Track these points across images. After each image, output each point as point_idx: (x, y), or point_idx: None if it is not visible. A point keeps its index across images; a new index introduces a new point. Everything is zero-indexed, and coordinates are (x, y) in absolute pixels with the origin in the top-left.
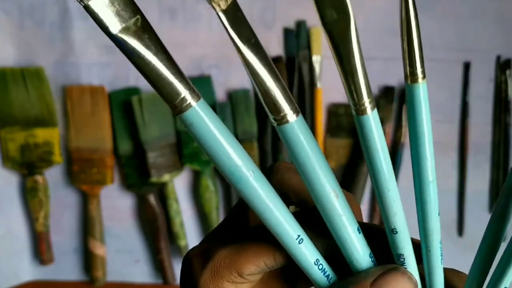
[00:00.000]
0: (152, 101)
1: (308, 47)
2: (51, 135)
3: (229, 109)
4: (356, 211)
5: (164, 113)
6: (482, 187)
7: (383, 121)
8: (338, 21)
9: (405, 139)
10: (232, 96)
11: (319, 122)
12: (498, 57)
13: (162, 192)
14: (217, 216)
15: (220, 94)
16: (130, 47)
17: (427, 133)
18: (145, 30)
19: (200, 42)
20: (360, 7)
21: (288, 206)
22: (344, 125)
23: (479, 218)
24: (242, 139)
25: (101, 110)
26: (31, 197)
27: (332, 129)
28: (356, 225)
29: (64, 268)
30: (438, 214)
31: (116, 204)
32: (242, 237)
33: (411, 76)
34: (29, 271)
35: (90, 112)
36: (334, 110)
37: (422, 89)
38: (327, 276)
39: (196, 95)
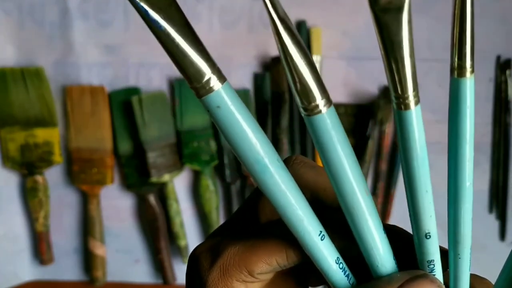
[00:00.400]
0: (152, 101)
1: (308, 47)
2: (51, 135)
3: None
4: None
5: (164, 113)
6: (482, 187)
7: (383, 121)
8: (392, 3)
9: None
10: None
11: None
12: (498, 57)
13: (162, 192)
14: (217, 216)
15: None
16: (154, 20)
17: (469, 133)
18: (171, 3)
19: None
20: (360, 7)
21: None
22: (344, 125)
23: (479, 218)
24: None
25: (101, 110)
26: (31, 197)
27: None
28: (381, 227)
29: (64, 268)
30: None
31: (116, 204)
32: (252, 234)
33: (458, 69)
34: (29, 271)
35: (90, 112)
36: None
37: (469, 85)
38: (347, 276)
39: (222, 77)
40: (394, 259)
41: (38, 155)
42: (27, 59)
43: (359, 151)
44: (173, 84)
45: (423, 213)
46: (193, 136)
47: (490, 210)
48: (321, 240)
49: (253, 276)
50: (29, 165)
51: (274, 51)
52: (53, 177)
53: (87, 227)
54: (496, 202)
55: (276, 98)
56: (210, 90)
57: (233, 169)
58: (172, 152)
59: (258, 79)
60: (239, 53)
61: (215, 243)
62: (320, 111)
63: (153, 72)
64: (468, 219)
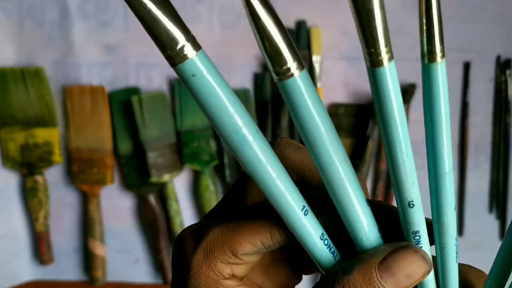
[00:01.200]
0: (152, 101)
1: (308, 47)
2: (51, 135)
3: None
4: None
5: (164, 113)
6: (482, 187)
7: None
8: None
9: None
10: None
11: None
12: (498, 57)
13: (162, 192)
14: None
15: None
16: None
17: (444, 119)
18: None
19: (200, 42)
20: None
21: None
22: (344, 125)
23: (479, 218)
24: None
25: (101, 110)
26: (31, 197)
27: None
28: (363, 196)
29: (64, 268)
30: (455, 209)
31: (116, 204)
32: (237, 215)
33: (429, 54)
34: (29, 271)
35: (90, 112)
36: (334, 110)
37: (440, 70)
38: (333, 253)
39: (197, 45)
40: (379, 232)
41: (38, 155)
42: (27, 59)
43: (359, 151)
44: (173, 84)
45: (404, 179)
46: (193, 136)
47: (490, 210)
48: (305, 215)
49: (237, 257)
50: (29, 165)
51: None
52: (53, 177)
53: (87, 227)
54: (496, 202)
55: (276, 98)
56: (184, 58)
57: (233, 169)
58: (172, 152)
59: (258, 79)
60: (239, 53)
61: (200, 226)
62: (292, 75)
63: (153, 72)
64: (451, 207)
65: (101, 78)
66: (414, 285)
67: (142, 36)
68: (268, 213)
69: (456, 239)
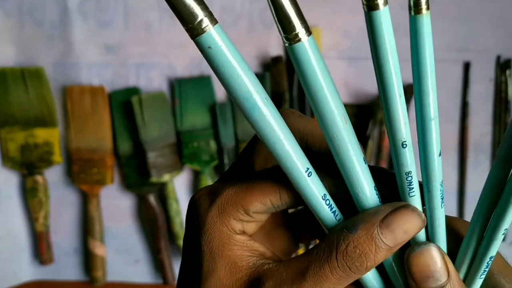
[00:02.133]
0: (152, 101)
1: None
2: (51, 135)
3: (229, 109)
4: None
5: (164, 113)
6: (482, 187)
7: (383, 121)
8: None
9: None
10: None
11: None
12: (498, 57)
13: (162, 192)
14: None
15: (220, 94)
16: None
17: (429, 68)
18: None
19: None
20: (360, 7)
21: None
22: None
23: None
24: (242, 139)
25: (101, 110)
26: (31, 197)
27: None
28: (362, 155)
29: (64, 268)
30: (440, 155)
31: (116, 204)
32: (249, 178)
33: (415, 7)
34: (29, 271)
35: (90, 112)
36: None
37: (425, 21)
38: (334, 213)
39: (213, 20)
40: (375, 190)
41: (38, 155)
42: (27, 59)
43: None
44: (173, 84)
45: (398, 119)
46: (193, 136)
47: None
48: (308, 176)
49: (248, 214)
50: (29, 165)
51: (274, 51)
52: (53, 177)
53: (87, 227)
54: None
55: (276, 98)
56: (202, 31)
57: None
58: (172, 152)
59: (258, 79)
60: None
61: (214, 187)
62: (300, 39)
63: (153, 72)
64: (436, 152)
65: (101, 78)
66: (408, 239)
67: (142, 36)
68: (278, 177)
69: (441, 185)
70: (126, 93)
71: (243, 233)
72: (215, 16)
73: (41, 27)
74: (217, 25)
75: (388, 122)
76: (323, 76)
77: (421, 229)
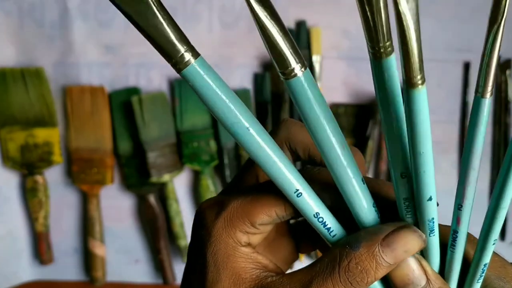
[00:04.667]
0: (152, 101)
1: (308, 47)
2: (51, 135)
3: None
4: (359, 163)
5: (164, 113)
6: (482, 187)
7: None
8: None
9: None
10: None
11: None
12: (498, 57)
13: (162, 192)
14: None
15: None
16: (129, 2)
17: (426, 140)
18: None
19: (200, 42)
20: None
21: (296, 162)
22: (344, 125)
23: (479, 218)
24: None
25: (101, 110)
26: (31, 197)
27: None
28: (360, 177)
29: (64, 268)
30: (430, 199)
31: (116, 204)
32: (253, 190)
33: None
34: (29, 271)
35: (90, 112)
36: (334, 110)
37: (421, 96)
38: (328, 229)
39: (195, 53)
40: (374, 206)
41: (38, 155)
42: (27, 59)
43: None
44: (173, 84)
45: (398, 152)
46: (193, 136)
47: None
48: (298, 197)
49: (254, 226)
50: (29, 165)
51: None
52: (53, 177)
53: (87, 227)
54: None
55: (276, 98)
56: (185, 65)
57: (233, 169)
58: (172, 152)
59: (258, 79)
60: (239, 53)
61: (220, 199)
62: (296, 75)
63: (153, 72)
64: (423, 197)
65: (101, 78)
66: (408, 257)
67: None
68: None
69: (431, 221)
70: (126, 93)
71: (248, 245)
72: (215, 16)
73: (41, 27)
74: (199, 58)
75: (392, 154)
76: (319, 107)
77: (421, 248)
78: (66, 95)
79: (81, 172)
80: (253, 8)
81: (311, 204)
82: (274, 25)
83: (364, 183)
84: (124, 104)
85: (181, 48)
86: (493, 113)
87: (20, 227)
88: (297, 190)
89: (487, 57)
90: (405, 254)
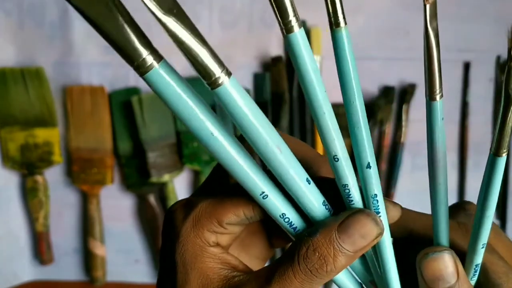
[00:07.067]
0: (152, 101)
1: None
2: (51, 135)
3: None
4: (315, 158)
5: (164, 113)
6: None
7: (383, 121)
8: None
9: (405, 139)
10: None
11: None
12: (498, 57)
13: (162, 192)
14: None
15: None
16: (89, 4)
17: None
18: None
19: None
20: (360, 7)
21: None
22: (344, 125)
23: None
24: None
25: (101, 110)
26: (31, 197)
27: None
28: (305, 176)
29: (64, 268)
30: (368, 167)
31: (116, 204)
32: (223, 191)
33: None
34: (29, 271)
35: (90, 112)
36: (334, 110)
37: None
38: (294, 228)
39: (158, 56)
40: (324, 203)
41: (38, 155)
42: (27, 59)
43: None
44: None
45: (325, 134)
46: (193, 136)
47: None
48: (264, 199)
49: (222, 226)
50: (29, 165)
51: (274, 51)
52: (53, 177)
53: (87, 227)
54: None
55: (276, 98)
56: (148, 69)
57: None
58: (172, 152)
59: (258, 79)
60: (239, 53)
61: (189, 200)
62: (221, 83)
63: None
64: (362, 165)
65: (101, 78)
66: (370, 246)
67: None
68: None
69: (374, 197)
70: (126, 93)
71: (217, 245)
72: (215, 16)
73: (41, 27)
74: (162, 61)
75: (321, 136)
76: (251, 112)
77: (379, 234)
78: (66, 95)
79: (81, 172)
80: (165, 24)
81: (278, 205)
82: (191, 37)
83: (309, 182)
84: (124, 104)
85: (143, 52)
86: (493, 113)
87: (20, 227)
88: (263, 192)
89: (426, 61)
90: (363, 240)
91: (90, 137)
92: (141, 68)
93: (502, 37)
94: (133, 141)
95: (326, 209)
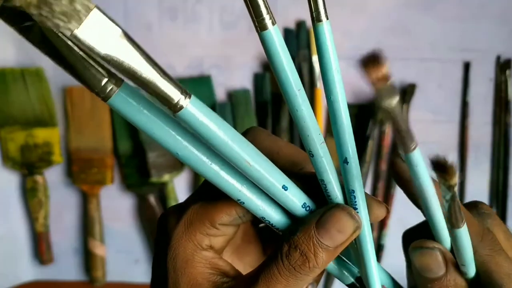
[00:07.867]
0: (152, 101)
1: (308, 47)
2: (51, 135)
3: (229, 109)
4: (307, 158)
5: None
6: (482, 187)
7: (383, 121)
8: None
9: None
10: (232, 96)
11: (319, 122)
12: (498, 57)
13: (162, 192)
14: None
15: (220, 94)
16: (43, 30)
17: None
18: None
19: (200, 42)
20: (361, 7)
21: None
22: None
23: None
24: None
25: (101, 110)
26: (31, 197)
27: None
28: (281, 184)
29: (64, 268)
30: (346, 162)
31: (116, 204)
32: (216, 195)
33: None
34: (29, 271)
35: (90, 112)
36: None
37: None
38: (277, 229)
39: (119, 80)
40: (304, 205)
41: (38, 155)
42: (27, 59)
43: (359, 151)
44: None
45: (300, 131)
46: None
47: None
48: (243, 205)
49: (215, 226)
50: (29, 165)
51: None
52: (53, 177)
53: (87, 227)
54: (496, 202)
55: (276, 98)
56: (110, 94)
57: None
58: None
59: (258, 79)
60: (239, 53)
61: (181, 205)
62: (182, 107)
63: None
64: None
65: None
66: (349, 241)
67: (142, 36)
68: None
69: (351, 192)
70: None
71: (210, 248)
72: (215, 16)
73: None
74: (123, 84)
75: (299, 132)
76: (220, 129)
77: (357, 228)
78: (66, 95)
79: (81, 172)
80: (102, 55)
81: (255, 210)
82: (142, 69)
83: (286, 189)
84: None
85: (102, 78)
86: (493, 113)
87: (20, 227)
88: (239, 199)
89: None
90: (341, 234)
91: (90, 137)
92: (102, 94)
93: (502, 37)
94: (133, 141)
95: (307, 210)
